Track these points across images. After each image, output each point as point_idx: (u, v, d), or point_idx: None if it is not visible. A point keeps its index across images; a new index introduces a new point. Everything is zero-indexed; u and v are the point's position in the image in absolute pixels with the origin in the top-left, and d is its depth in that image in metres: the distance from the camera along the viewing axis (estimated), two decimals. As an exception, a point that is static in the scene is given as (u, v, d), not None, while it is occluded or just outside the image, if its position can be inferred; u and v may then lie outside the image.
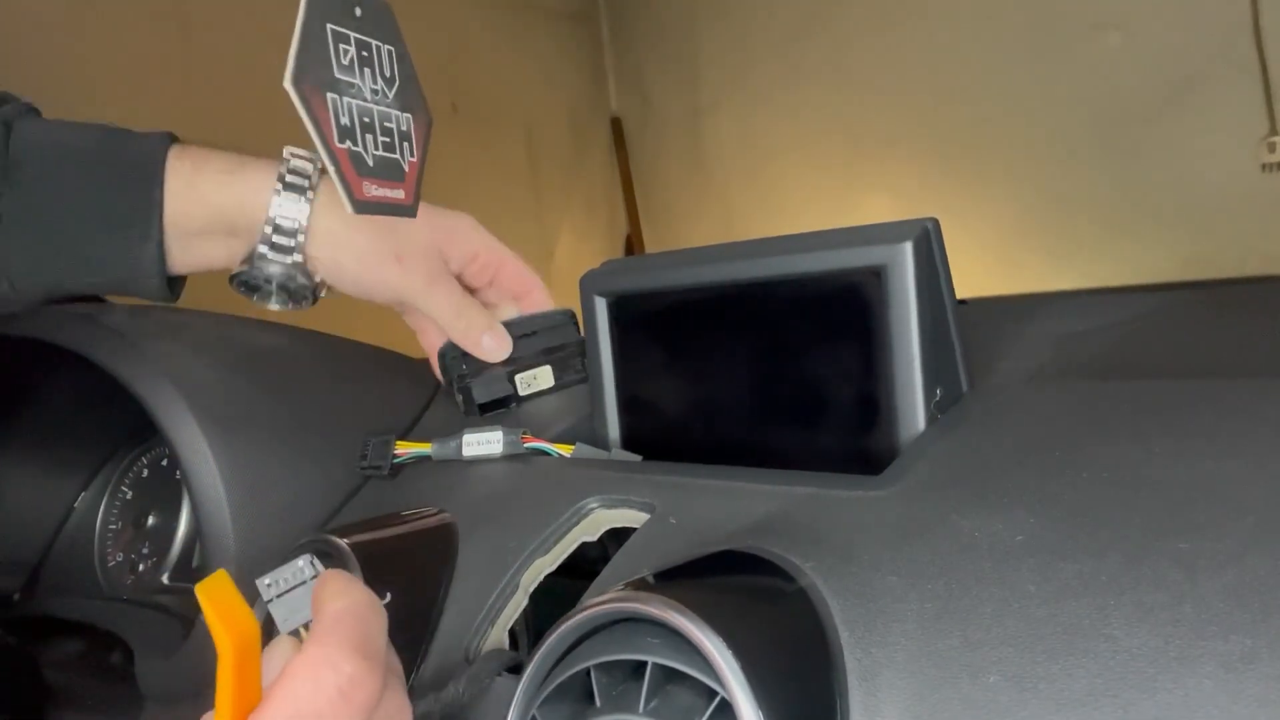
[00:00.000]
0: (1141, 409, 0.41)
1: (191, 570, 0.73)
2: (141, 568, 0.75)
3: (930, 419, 0.46)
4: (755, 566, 0.37)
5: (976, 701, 0.29)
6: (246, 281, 0.51)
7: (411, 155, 0.45)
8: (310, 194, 0.49)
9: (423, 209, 0.50)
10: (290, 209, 0.49)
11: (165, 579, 0.73)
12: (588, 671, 0.32)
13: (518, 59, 2.41)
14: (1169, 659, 0.28)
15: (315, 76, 0.38)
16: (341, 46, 0.40)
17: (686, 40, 2.59)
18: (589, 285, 0.60)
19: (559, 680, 0.32)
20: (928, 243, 0.47)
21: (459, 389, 0.67)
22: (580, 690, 0.33)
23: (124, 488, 0.78)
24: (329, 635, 0.29)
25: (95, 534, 0.78)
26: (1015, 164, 2.09)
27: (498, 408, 0.67)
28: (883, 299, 0.47)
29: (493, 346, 0.59)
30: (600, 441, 0.61)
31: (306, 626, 0.31)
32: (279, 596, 0.32)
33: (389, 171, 0.43)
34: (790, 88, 2.42)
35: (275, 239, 0.49)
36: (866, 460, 0.47)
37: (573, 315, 0.70)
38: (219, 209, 0.49)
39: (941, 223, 0.47)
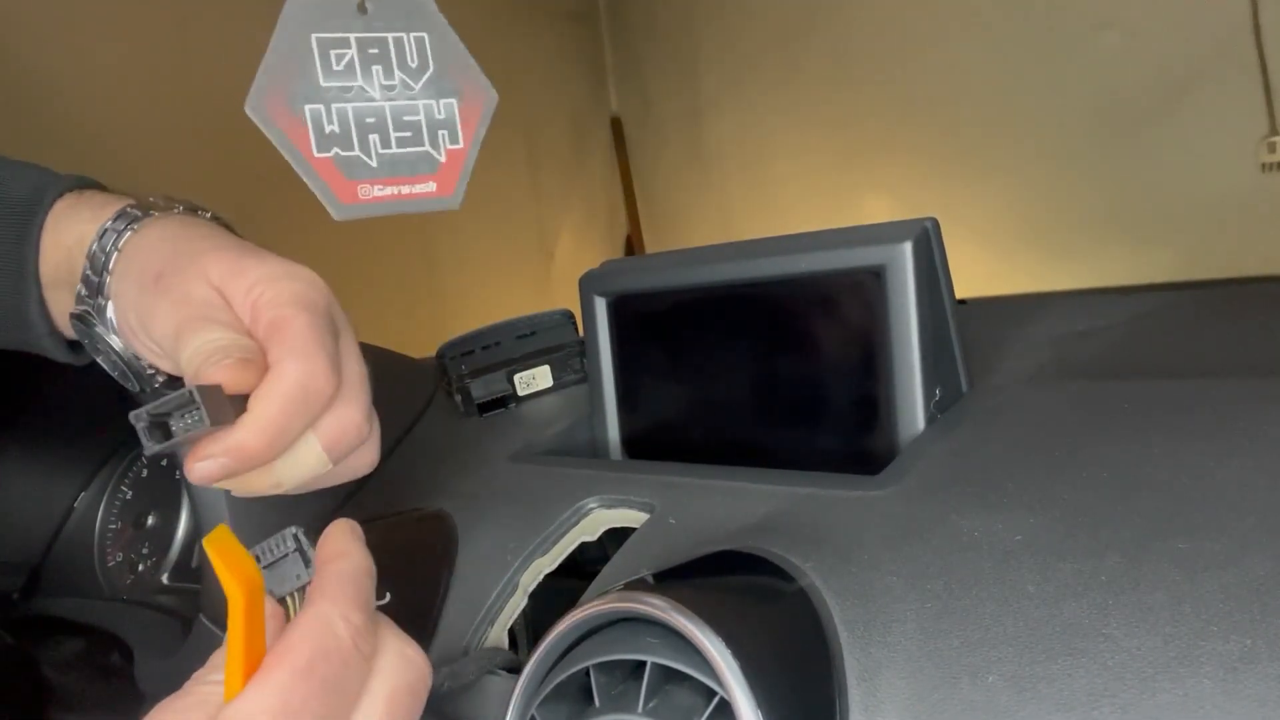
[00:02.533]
0: (1141, 409, 0.41)
1: (191, 570, 0.73)
2: (141, 568, 0.75)
3: (930, 419, 0.46)
4: (755, 566, 0.37)
5: (976, 702, 0.29)
6: (88, 339, 0.41)
7: (452, 142, 0.44)
8: (146, 220, 0.40)
9: (248, 246, 0.38)
10: (108, 239, 0.39)
11: (165, 579, 0.73)
12: (587, 671, 0.32)
13: (518, 59, 2.41)
14: (1169, 659, 0.28)
15: (286, 94, 0.39)
16: (334, 53, 0.40)
17: (686, 40, 2.59)
18: (589, 285, 0.60)
19: (558, 680, 0.32)
20: (927, 243, 0.47)
21: (458, 389, 0.67)
22: (579, 690, 0.33)
23: (124, 488, 0.78)
24: (338, 590, 0.30)
25: (95, 534, 0.77)
26: (1015, 164, 2.09)
27: (496, 407, 0.67)
28: (882, 299, 0.47)
29: (201, 360, 0.33)
30: (600, 441, 0.61)
31: (292, 594, 0.33)
32: (267, 567, 0.33)
33: (407, 167, 0.42)
34: (790, 88, 2.42)
35: (88, 272, 0.40)
36: (866, 460, 0.47)
37: (571, 315, 0.70)
38: (67, 247, 0.41)
39: (941, 223, 0.47)
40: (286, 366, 0.33)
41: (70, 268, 0.41)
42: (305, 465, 0.35)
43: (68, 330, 0.43)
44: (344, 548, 0.32)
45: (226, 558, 0.29)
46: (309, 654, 0.28)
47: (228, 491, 0.54)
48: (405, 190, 0.42)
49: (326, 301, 0.37)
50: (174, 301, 0.36)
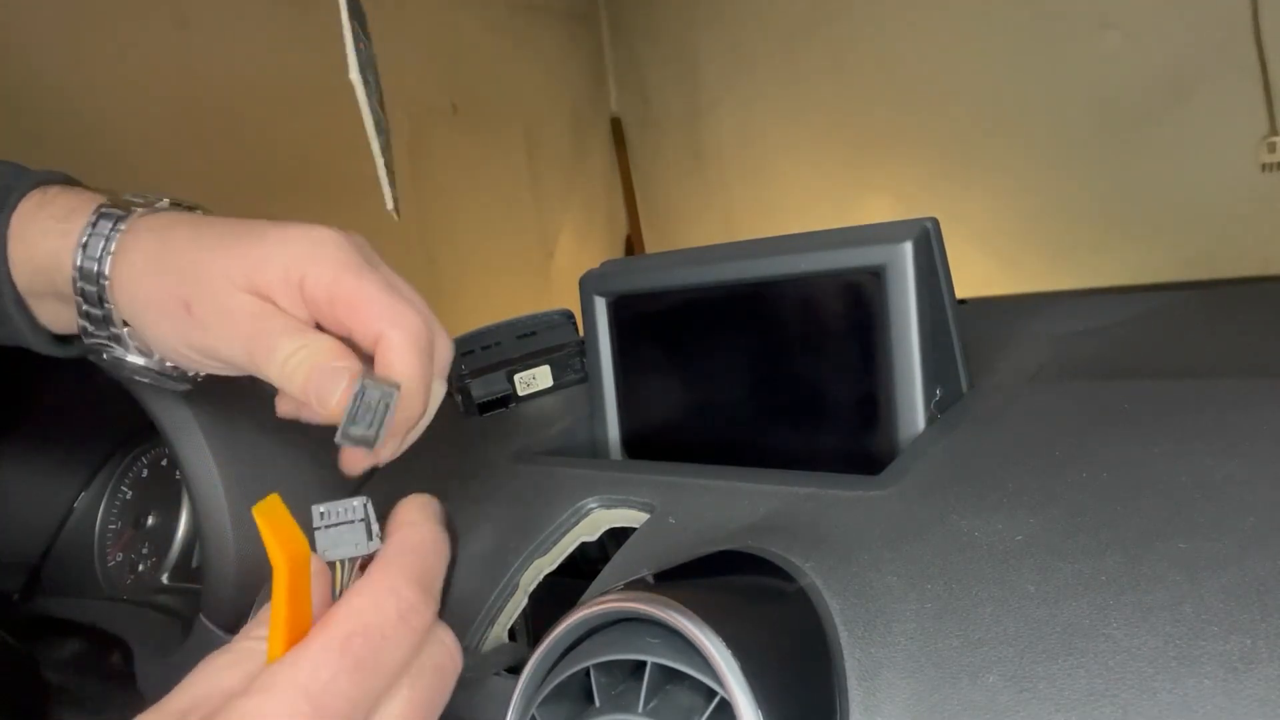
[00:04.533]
0: (1141, 409, 0.41)
1: (191, 570, 0.73)
2: (141, 568, 0.75)
3: (930, 419, 0.46)
4: (755, 566, 0.37)
5: (976, 702, 0.29)
6: (108, 365, 0.41)
7: (374, 143, 0.43)
8: (116, 235, 0.38)
9: (242, 231, 0.38)
10: (91, 262, 0.38)
11: (165, 579, 0.73)
12: (587, 671, 0.32)
13: (518, 59, 2.41)
14: (1169, 659, 0.28)
15: (359, 69, 0.39)
16: (353, 41, 0.40)
17: (686, 40, 2.59)
18: (589, 285, 0.60)
19: (558, 680, 0.32)
20: (928, 243, 0.47)
21: (458, 389, 0.67)
22: (579, 690, 0.33)
23: (124, 488, 0.78)
24: (395, 562, 0.30)
25: (95, 534, 0.78)
26: (1015, 164, 2.09)
27: (497, 407, 0.67)
28: (883, 299, 0.47)
29: (319, 389, 0.35)
30: (600, 441, 0.61)
31: (343, 562, 0.33)
32: (327, 527, 0.33)
33: (386, 166, 0.43)
34: (790, 88, 2.42)
35: (86, 307, 0.39)
36: (866, 460, 0.47)
37: (571, 315, 0.70)
38: (40, 263, 0.40)
39: (941, 223, 0.47)
40: (393, 336, 0.36)
41: (51, 283, 0.40)
42: (437, 398, 0.38)
43: (52, 326, 0.43)
44: (414, 518, 0.33)
45: (275, 527, 0.29)
46: (347, 630, 0.28)
47: (228, 492, 0.54)
48: (389, 190, 0.43)
49: (350, 244, 0.37)
50: (224, 326, 0.36)
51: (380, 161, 0.39)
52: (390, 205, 0.40)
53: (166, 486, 0.76)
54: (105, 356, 0.41)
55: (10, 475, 0.76)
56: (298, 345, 0.35)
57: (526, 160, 2.45)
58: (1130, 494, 0.35)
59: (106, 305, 0.39)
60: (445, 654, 0.31)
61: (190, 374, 0.42)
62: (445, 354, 0.39)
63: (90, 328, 0.40)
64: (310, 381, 0.35)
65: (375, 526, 0.33)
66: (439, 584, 0.32)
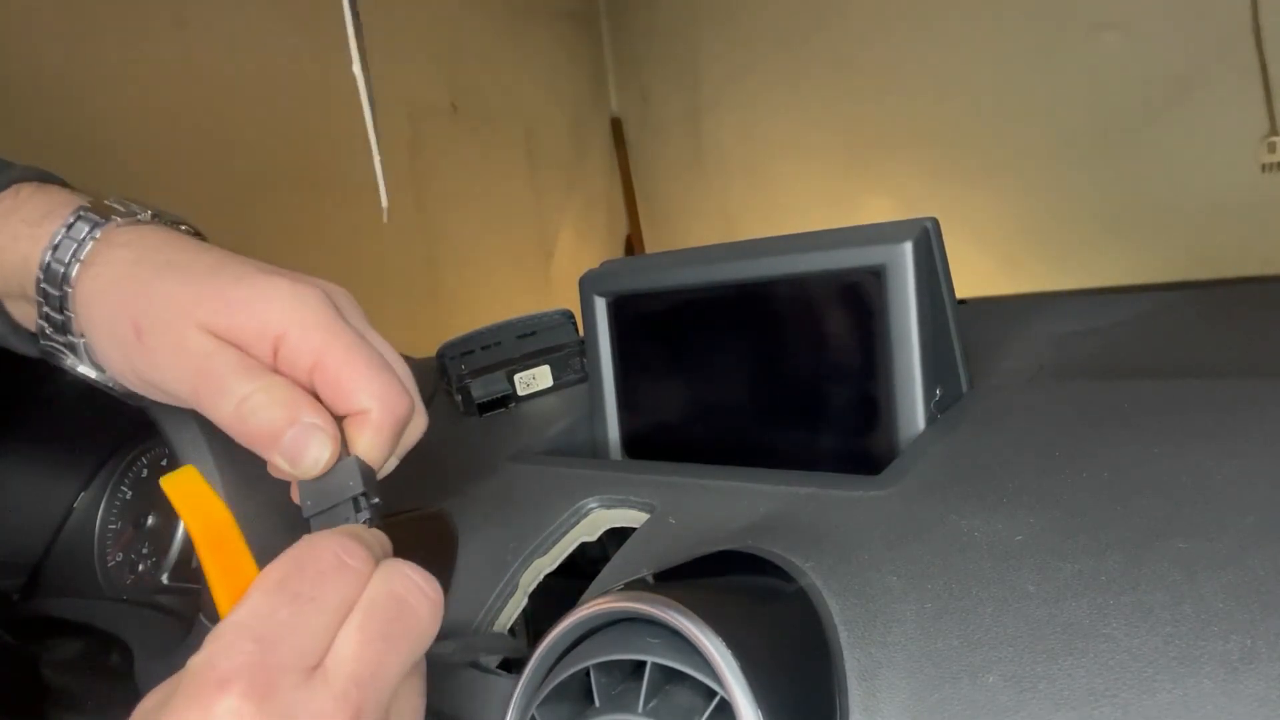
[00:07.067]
0: (1141, 409, 0.41)
1: (191, 570, 0.73)
2: (141, 568, 0.75)
3: (930, 419, 0.46)
4: (755, 566, 0.37)
5: (976, 701, 0.29)
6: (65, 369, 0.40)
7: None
8: (89, 242, 0.36)
9: (223, 267, 0.36)
10: (58, 265, 0.36)
11: (165, 579, 0.73)
12: (587, 671, 0.32)
13: (518, 59, 2.41)
14: (1169, 659, 0.28)
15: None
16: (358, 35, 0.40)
17: (686, 40, 2.59)
18: (589, 285, 0.60)
19: (558, 680, 0.32)
20: (928, 243, 0.47)
21: (457, 389, 0.67)
22: (580, 690, 0.33)
23: (124, 488, 0.78)
24: (330, 525, 0.33)
25: (95, 534, 0.77)
26: (1015, 164, 2.09)
27: (496, 407, 0.67)
28: (883, 299, 0.47)
29: (297, 452, 0.33)
30: (600, 441, 0.61)
31: None
32: (320, 514, 0.35)
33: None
34: (790, 88, 2.42)
35: (46, 309, 0.37)
36: (866, 460, 0.47)
37: (571, 315, 0.70)
38: (12, 267, 0.38)
39: (941, 223, 0.47)
40: (377, 413, 0.35)
41: (21, 285, 0.38)
42: (387, 470, 0.38)
43: (29, 326, 0.41)
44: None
45: (185, 497, 0.30)
46: (282, 572, 0.29)
47: (228, 492, 0.54)
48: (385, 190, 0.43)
49: (333, 307, 0.36)
50: (172, 359, 0.34)
51: (378, 159, 0.39)
52: (385, 204, 0.40)
53: (166, 486, 0.76)
54: (62, 363, 0.40)
55: (10, 475, 0.76)
56: (256, 386, 0.33)
57: (526, 160, 2.45)
58: (1130, 494, 0.35)
59: (67, 312, 0.37)
60: (407, 584, 0.31)
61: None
62: (417, 432, 0.38)
63: (49, 329, 0.38)
64: (241, 416, 0.33)
65: (362, 500, 0.35)
66: (376, 549, 0.32)
